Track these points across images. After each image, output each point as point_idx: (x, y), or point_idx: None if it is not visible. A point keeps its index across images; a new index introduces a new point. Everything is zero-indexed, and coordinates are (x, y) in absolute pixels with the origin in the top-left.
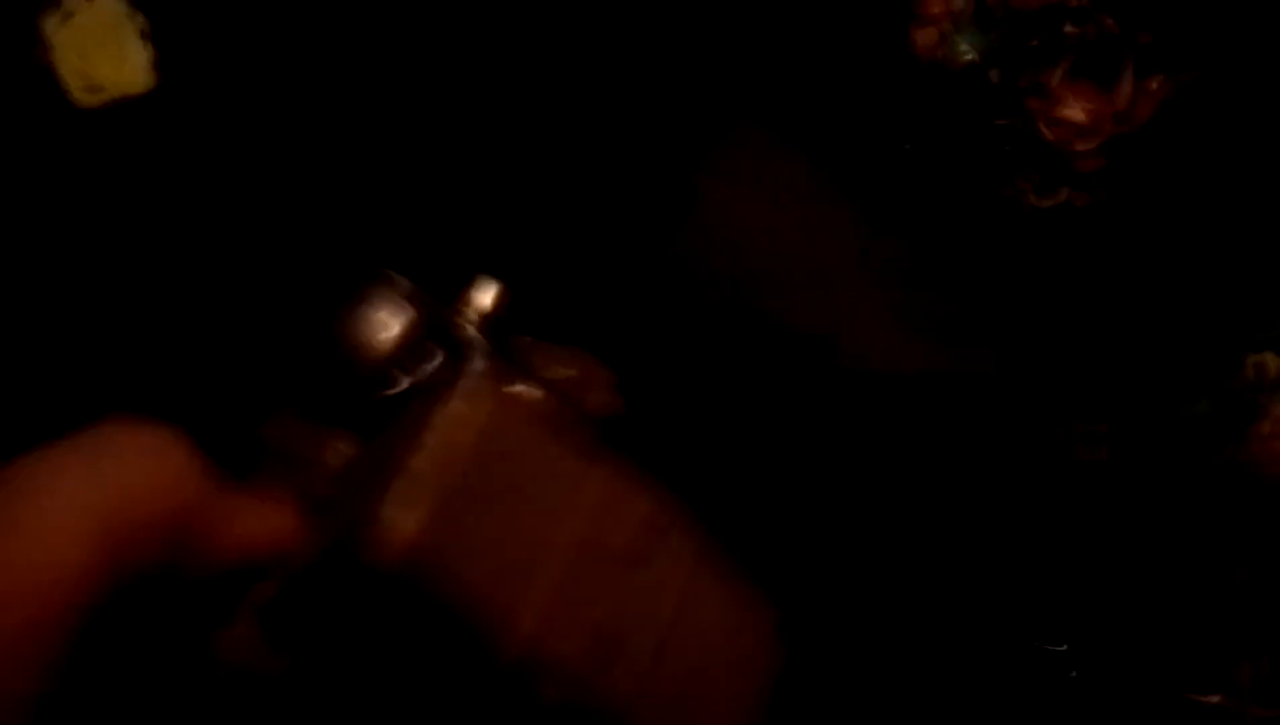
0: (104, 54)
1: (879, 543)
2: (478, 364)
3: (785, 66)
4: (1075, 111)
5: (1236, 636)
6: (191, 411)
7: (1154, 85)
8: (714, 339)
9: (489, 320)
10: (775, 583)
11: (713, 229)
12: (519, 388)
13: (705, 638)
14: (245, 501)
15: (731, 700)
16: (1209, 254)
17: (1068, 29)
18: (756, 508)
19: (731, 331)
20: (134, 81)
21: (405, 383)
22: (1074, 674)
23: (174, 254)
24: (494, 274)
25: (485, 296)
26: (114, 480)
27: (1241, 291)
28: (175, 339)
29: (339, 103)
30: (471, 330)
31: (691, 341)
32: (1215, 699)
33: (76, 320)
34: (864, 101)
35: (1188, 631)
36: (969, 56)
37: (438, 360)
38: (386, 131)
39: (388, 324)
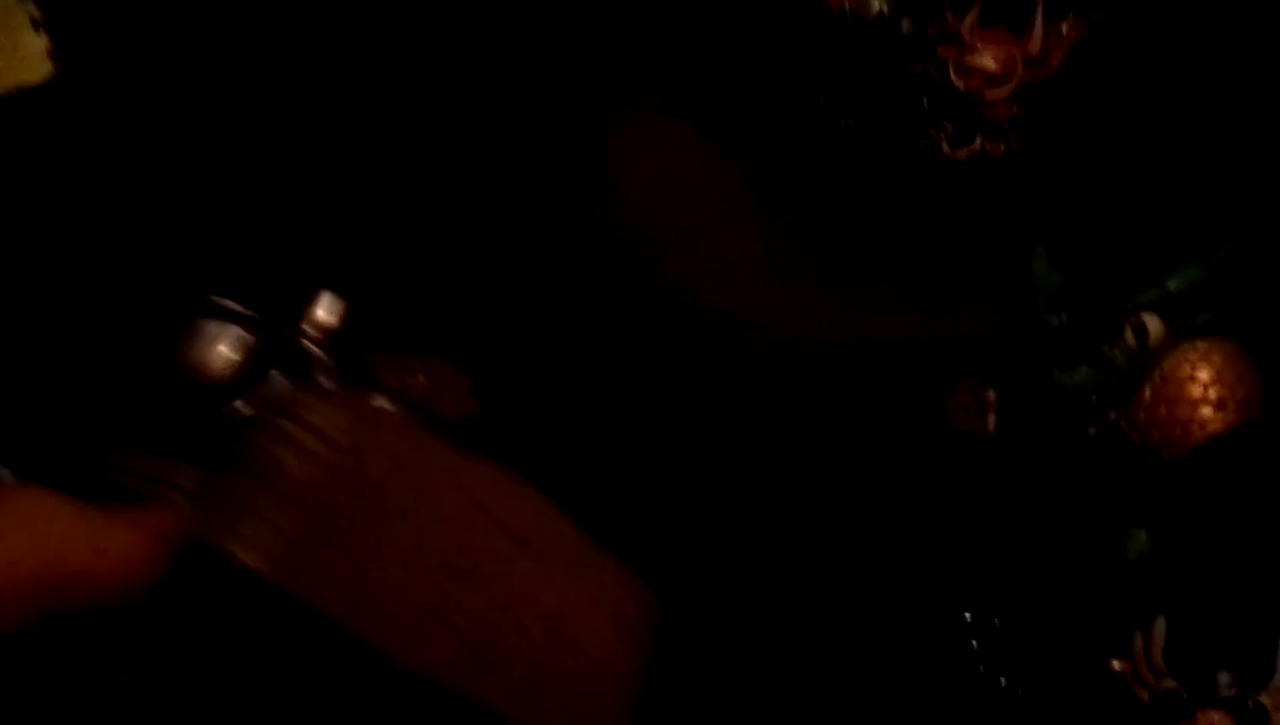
0: None
1: (778, 518)
2: (324, 383)
3: (688, 25)
4: (987, 59)
5: (1136, 604)
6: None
7: (1065, 28)
8: (616, 319)
9: (333, 336)
10: (670, 563)
11: (613, 209)
12: (371, 401)
13: (585, 633)
14: (113, 536)
15: (608, 694)
16: (1106, 207)
17: None
18: (648, 489)
19: (634, 310)
20: (29, 71)
21: (243, 405)
22: (977, 643)
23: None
24: (340, 281)
25: (328, 312)
26: None
27: (1127, 250)
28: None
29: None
30: (315, 349)
31: (588, 323)
32: (1121, 666)
33: None
34: (773, 57)
35: (1087, 598)
36: (879, 7)
37: (279, 382)
38: (261, 133)
39: (223, 349)
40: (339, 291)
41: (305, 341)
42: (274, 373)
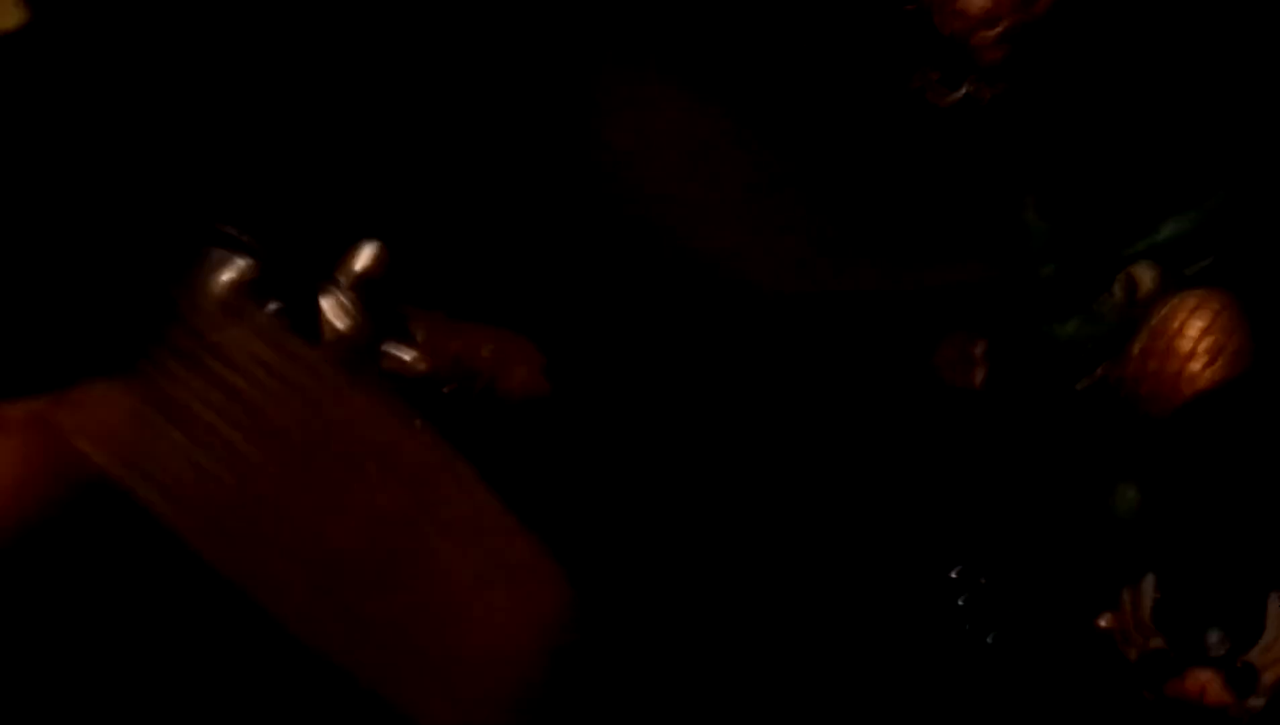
0: None
1: (764, 474)
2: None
3: None
4: (974, 1)
5: (1124, 561)
6: None
7: None
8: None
9: (364, 282)
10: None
11: (602, 165)
12: (393, 349)
13: (491, 619)
14: None
15: (504, 681)
16: (1096, 154)
17: None
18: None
19: (631, 263)
20: (2, 17)
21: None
22: (963, 600)
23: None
24: (402, 240)
25: (361, 259)
26: None
27: (1118, 199)
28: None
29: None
30: (339, 293)
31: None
32: (1109, 623)
33: None
34: (761, 4)
35: (1074, 554)
36: None
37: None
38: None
39: (223, 276)
40: (392, 243)
41: (324, 284)
42: (270, 305)
